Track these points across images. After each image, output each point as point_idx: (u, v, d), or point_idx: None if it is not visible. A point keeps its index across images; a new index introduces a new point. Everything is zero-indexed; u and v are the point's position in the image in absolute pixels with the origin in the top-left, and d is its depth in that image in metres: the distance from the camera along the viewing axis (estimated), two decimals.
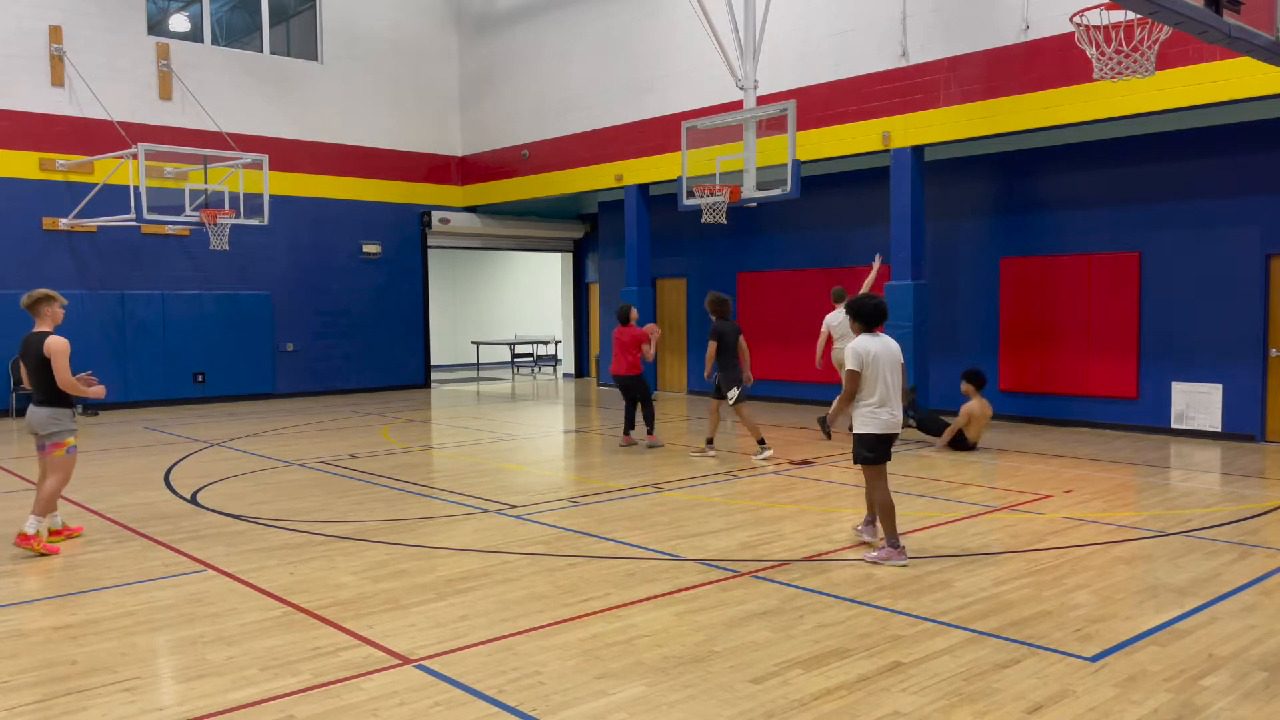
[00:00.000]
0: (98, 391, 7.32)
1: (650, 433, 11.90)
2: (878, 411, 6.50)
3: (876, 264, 13.10)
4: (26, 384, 7.24)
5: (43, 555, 6.84)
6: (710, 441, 11.21)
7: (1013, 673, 4.53)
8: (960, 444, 11.30)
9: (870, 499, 6.84)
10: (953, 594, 5.75)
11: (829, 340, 12.43)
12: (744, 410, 10.89)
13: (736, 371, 10.83)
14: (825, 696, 4.27)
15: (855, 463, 6.72)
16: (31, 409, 7.16)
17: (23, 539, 6.84)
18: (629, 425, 12.00)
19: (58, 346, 7.02)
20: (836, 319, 12.21)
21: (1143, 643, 4.92)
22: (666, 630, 5.15)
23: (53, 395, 7.06)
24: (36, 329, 7.23)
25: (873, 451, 6.55)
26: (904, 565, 6.37)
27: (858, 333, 6.70)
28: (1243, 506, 8.20)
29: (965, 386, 11.43)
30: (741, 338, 10.99)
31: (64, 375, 6.97)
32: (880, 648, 4.86)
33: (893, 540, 6.49)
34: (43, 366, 7.03)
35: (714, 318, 11.02)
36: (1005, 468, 10.24)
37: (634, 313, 11.98)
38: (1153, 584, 5.96)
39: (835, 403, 6.84)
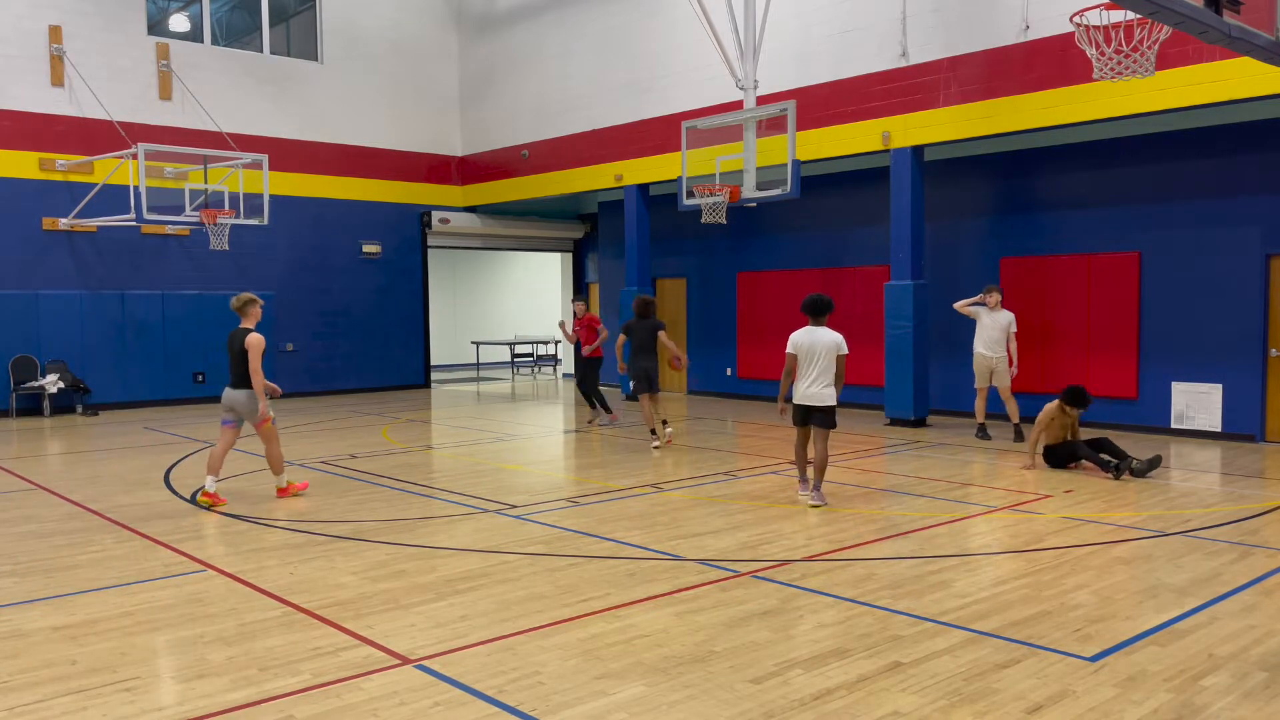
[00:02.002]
0: (274, 389, 8.84)
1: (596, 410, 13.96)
2: (798, 386, 8.25)
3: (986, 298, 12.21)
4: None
5: (296, 496, 8.87)
6: (655, 433, 11.79)
7: (1013, 673, 4.53)
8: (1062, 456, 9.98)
9: (824, 456, 8.36)
10: (953, 594, 5.75)
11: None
12: (643, 401, 11.82)
13: (639, 368, 11.72)
14: (825, 696, 4.27)
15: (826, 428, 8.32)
16: (230, 391, 8.67)
17: (281, 491, 8.87)
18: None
19: (255, 342, 8.51)
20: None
21: (1143, 643, 4.92)
22: (666, 630, 5.15)
23: (249, 380, 8.52)
24: (242, 326, 8.69)
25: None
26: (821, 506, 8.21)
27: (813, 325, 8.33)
28: (1243, 506, 8.20)
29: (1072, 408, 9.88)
30: (662, 334, 11.91)
31: (255, 366, 8.48)
32: (880, 648, 4.86)
33: (804, 477, 8.61)
34: (242, 357, 8.51)
35: (635, 317, 12.04)
36: (1005, 468, 10.23)
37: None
38: (1153, 584, 5.96)
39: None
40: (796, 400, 8.30)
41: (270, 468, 8.86)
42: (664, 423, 11.99)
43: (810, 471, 8.47)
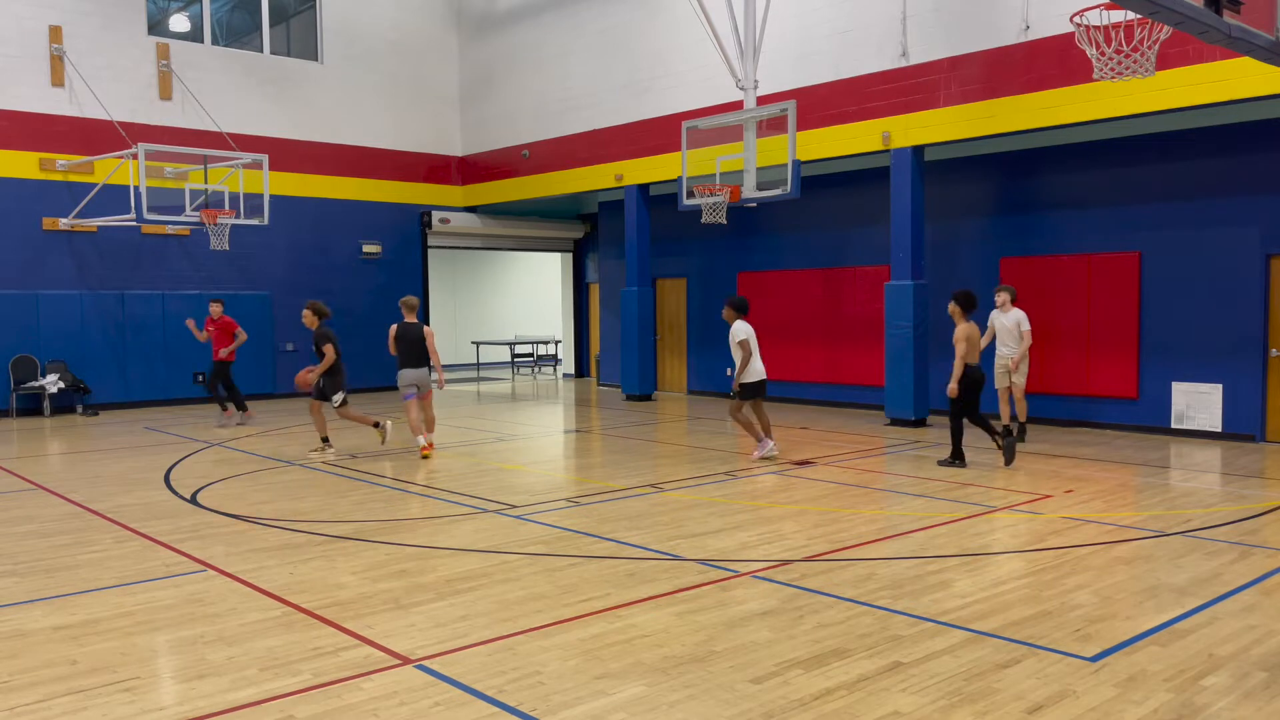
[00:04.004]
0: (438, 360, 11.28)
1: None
2: (757, 367, 10.70)
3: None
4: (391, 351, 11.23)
5: (425, 458, 11.00)
6: (326, 440, 11.55)
7: (1013, 673, 4.53)
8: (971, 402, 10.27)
9: (763, 421, 10.81)
10: (953, 594, 5.75)
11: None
12: (350, 411, 11.58)
13: (343, 376, 11.43)
14: (825, 696, 4.27)
15: (743, 398, 10.64)
16: (413, 371, 11.16)
17: (424, 450, 11.16)
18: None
19: (430, 332, 11.27)
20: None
21: (1143, 643, 4.92)
22: (666, 630, 5.15)
23: (425, 360, 11.18)
24: (407, 320, 11.27)
25: (755, 392, 10.72)
26: (775, 453, 10.76)
27: (734, 320, 10.76)
28: (1243, 506, 8.20)
29: (953, 308, 10.37)
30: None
31: (434, 346, 11.23)
32: (880, 648, 4.86)
33: (763, 438, 10.79)
34: (422, 344, 11.15)
35: (319, 325, 11.42)
36: (1005, 468, 10.23)
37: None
38: (1153, 584, 5.96)
39: (740, 365, 10.58)
40: (760, 378, 10.63)
41: (425, 429, 11.28)
42: (376, 424, 11.56)
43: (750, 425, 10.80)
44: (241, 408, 14.45)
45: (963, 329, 10.14)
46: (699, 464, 10.60)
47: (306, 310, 11.42)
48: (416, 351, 11.17)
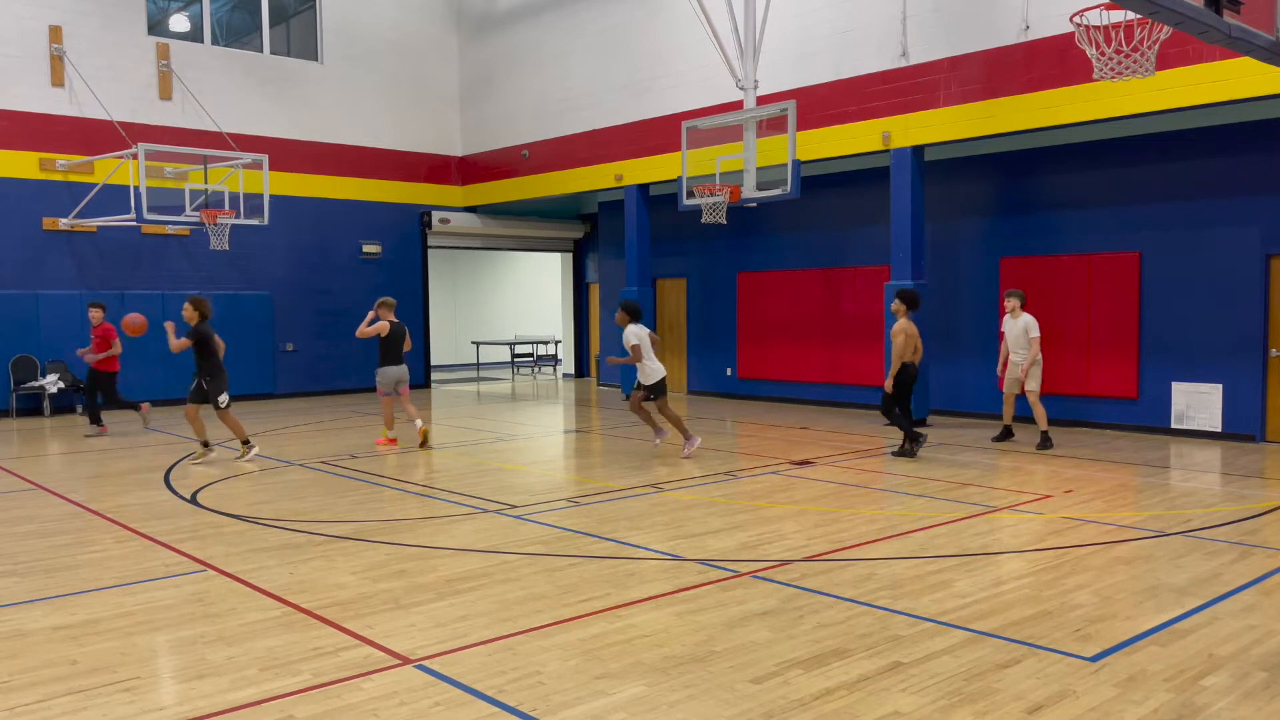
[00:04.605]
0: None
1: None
2: (655, 367, 10.97)
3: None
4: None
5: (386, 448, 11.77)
6: (206, 444, 10.97)
7: (1013, 673, 4.53)
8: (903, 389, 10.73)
9: (673, 418, 11.10)
10: (953, 594, 5.75)
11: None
12: (229, 416, 10.97)
13: (225, 379, 10.93)
14: (825, 696, 4.27)
15: (655, 397, 11.02)
16: (396, 369, 11.82)
17: (421, 434, 11.91)
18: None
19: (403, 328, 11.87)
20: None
21: (1143, 643, 4.92)
22: (666, 630, 5.15)
23: (404, 358, 11.95)
24: (390, 320, 11.74)
25: (660, 390, 11.04)
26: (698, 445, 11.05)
27: (626, 324, 10.96)
28: (1243, 506, 8.20)
29: (897, 305, 10.80)
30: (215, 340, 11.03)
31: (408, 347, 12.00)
32: (880, 648, 4.86)
33: (689, 434, 11.08)
34: (403, 340, 11.82)
35: (199, 320, 10.90)
36: (1005, 468, 10.24)
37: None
38: (1153, 584, 5.96)
39: (625, 359, 10.91)
40: (659, 378, 10.98)
41: (407, 417, 12.14)
42: (244, 441, 11.14)
43: (662, 424, 11.43)
44: (96, 421, 13.49)
45: (901, 324, 10.63)
46: (699, 464, 10.60)
47: (188, 304, 10.86)
48: (398, 350, 11.81)
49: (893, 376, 10.58)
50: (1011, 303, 11.63)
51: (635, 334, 10.97)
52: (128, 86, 17.07)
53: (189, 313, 10.92)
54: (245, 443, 11.19)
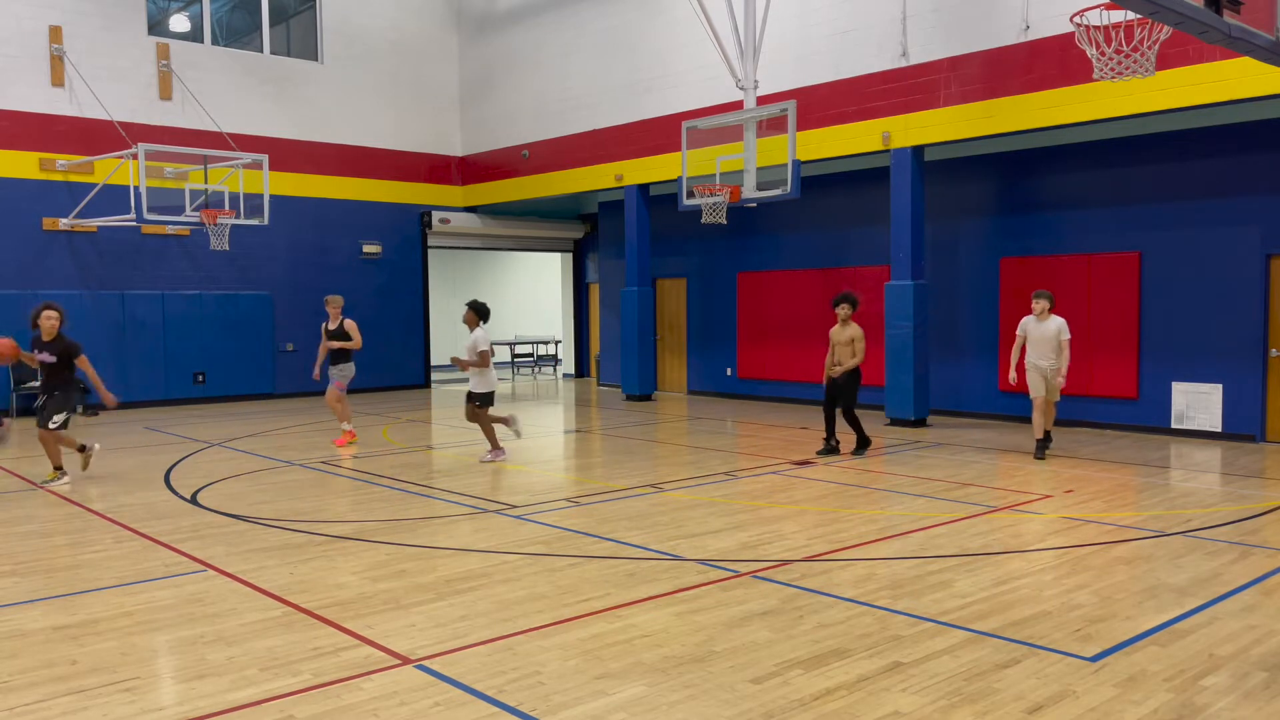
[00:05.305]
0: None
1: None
2: (493, 377, 10.78)
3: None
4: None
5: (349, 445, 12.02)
6: (59, 469, 9.82)
7: (1013, 673, 4.52)
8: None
9: (488, 428, 10.84)
10: (953, 594, 5.75)
11: (1024, 349, 10.96)
12: (64, 436, 9.94)
13: (74, 397, 10.05)
14: (825, 696, 4.27)
15: (480, 407, 10.67)
16: (339, 366, 12.24)
17: (349, 436, 12.19)
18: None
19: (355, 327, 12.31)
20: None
21: (1143, 643, 4.92)
22: (666, 630, 5.15)
23: (350, 355, 12.36)
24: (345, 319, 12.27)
25: (492, 401, 10.81)
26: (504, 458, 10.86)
27: (475, 325, 10.60)
28: (1243, 506, 8.20)
29: (846, 310, 11.28)
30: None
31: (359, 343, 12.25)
32: (880, 648, 4.86)
33: (497, 444, 10.97)
34: (343, 338, 12.07)
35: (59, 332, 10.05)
36: (1005, 468, 10.23)
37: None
38: (1153, 584, 5.96)
39: (471, 366, 10.58)
40: (493, 389, 10.79)
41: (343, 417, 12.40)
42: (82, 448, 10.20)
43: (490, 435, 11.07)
44: None
45: (857, 330, 11.22)
46: (699, 464, 10.60)
47: (51, 313, 9.92)
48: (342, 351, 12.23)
49: (846, 370, 11.13)
50: (1040, 304, 10.72)
51: (486, 340, 10.61)
52: (128, 86, 17.07)
53: (56, 320, 9.86)
54: (59, 468, 9.77)
